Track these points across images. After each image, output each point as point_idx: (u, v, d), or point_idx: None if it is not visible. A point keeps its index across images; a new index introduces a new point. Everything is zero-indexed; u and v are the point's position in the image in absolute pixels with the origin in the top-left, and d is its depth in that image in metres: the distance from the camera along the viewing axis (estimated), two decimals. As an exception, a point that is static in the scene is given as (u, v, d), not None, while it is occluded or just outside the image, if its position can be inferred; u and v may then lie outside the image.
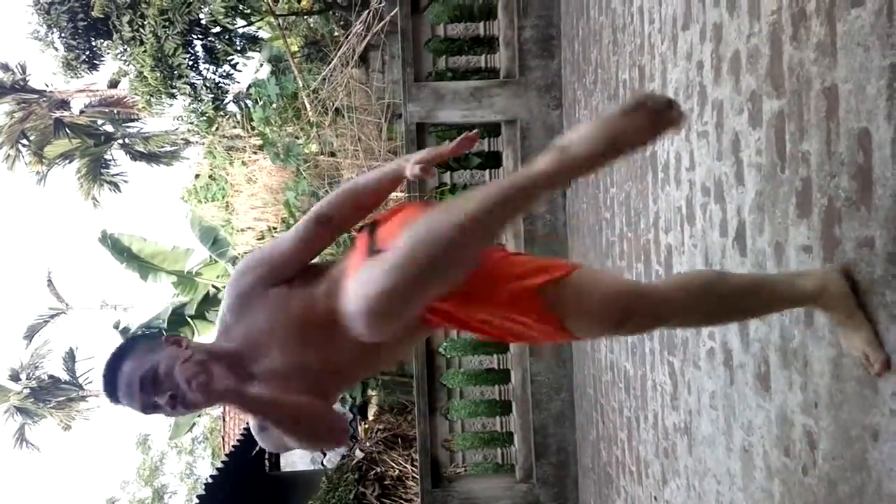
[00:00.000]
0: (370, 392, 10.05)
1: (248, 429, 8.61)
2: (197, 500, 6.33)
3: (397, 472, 7.99)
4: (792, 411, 1.81)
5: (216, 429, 19.76)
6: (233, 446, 7.92)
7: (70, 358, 15.92)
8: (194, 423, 12.86)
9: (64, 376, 16.03)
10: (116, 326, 12.77)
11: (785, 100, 1.81)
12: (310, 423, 1.53)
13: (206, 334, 12.78)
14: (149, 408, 1.48)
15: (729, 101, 2.18)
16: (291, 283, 1.53)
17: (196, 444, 22.21)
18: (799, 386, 1.77)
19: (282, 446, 1.60)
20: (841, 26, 1.53)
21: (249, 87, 11.52)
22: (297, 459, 12.53)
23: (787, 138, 1.80)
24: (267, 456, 11.19)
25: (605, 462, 4.10)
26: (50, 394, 15.88)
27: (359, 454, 8.48)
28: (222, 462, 7.20)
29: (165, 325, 12.17)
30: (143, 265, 12.61)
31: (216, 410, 14.13)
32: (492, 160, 5.44)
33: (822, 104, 1.62)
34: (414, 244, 1.16)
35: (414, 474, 7.65)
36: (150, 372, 1.46)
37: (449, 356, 5.56)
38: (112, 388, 1.49)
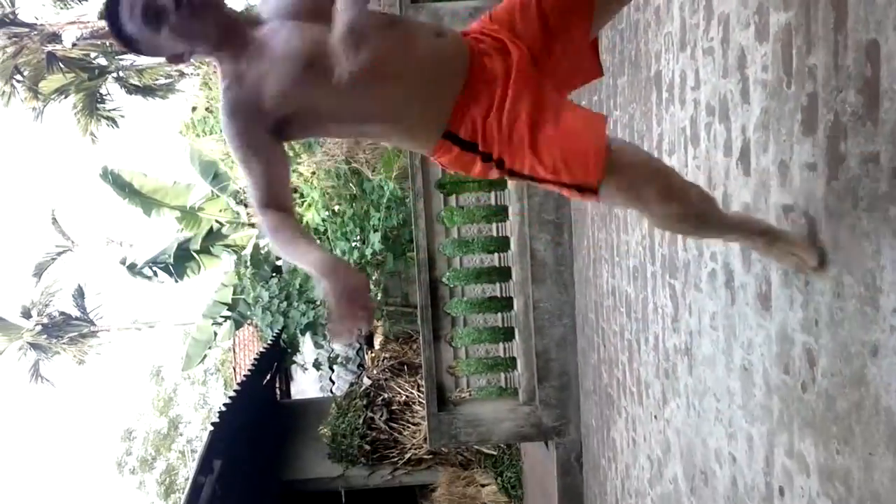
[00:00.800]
0: (376, 322, 10.21)
1: (257, 360, 8.79)
2: (211, 428, 6.50)
3: (404, 397, 8.19)
4: (792, 329, 1.82)
5: (227, 360, 20.19)
6: (244, 376, 8.08)
7: (79, 294, 16.12)
8: (206, 355, 13.10)
9: (75, 312, 16.28)
10: (123, 262, 12.86)
11: (792, 12, 1.74)
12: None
13: (211, 268, 12.89)
14: (151, 15, 1.44)
15: (735, 15, 2.11)
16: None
17: (208, 376, 22.75)
18: (800, 304, 1.78)
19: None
20: (853, -70, 1.46)
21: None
22: (307, 388, 12.84)
23: (793, 52, 1.75)
24: (278, 385, 11.46)
25: (606, 384, 4.18)
26: (62, 330, 16.16)
27: (367, 381, 8.68)
28: (234, 391, 7.36)
29: (172, 260, 12.26)
30: (145, 201, 12.59)
31: (227, 343, 14.37)
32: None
33: (831, 15, 1.57)
34: None
35: (420, 399, 7.84)
36: None
37: (452, 285, 5.60)
38: (115, 7, 1.46)
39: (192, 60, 1.62)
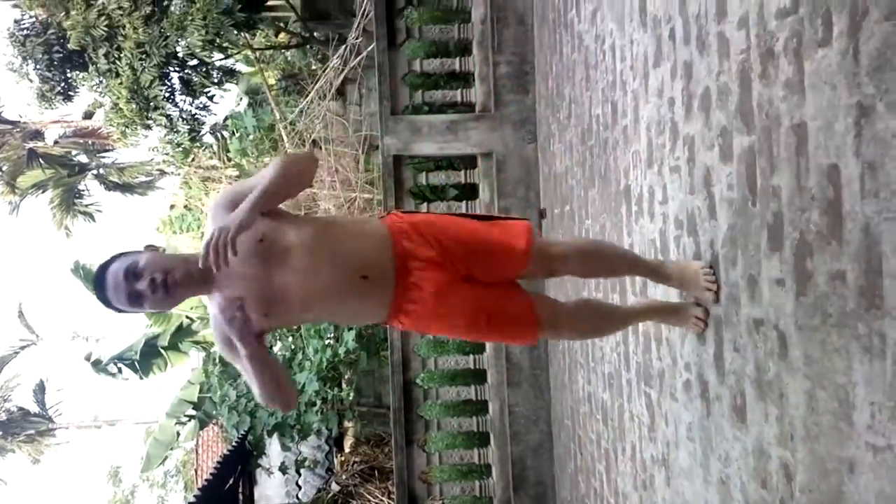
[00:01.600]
0: (346, 423, 9.93)
1: (221, 462, 8.44)
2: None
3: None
4: (768, 443, 1.82)
5: (189, 461, 19.33)
6: (206, 480, 7.74)
7: (40, 390, 15.56)
8: (167, 457, 12.57)
9: (34, 408, 15.65)
10: (88, 358, 12.51)
11: (755, 136, 1.85)
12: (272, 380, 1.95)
13: (177, 365, 12.58)
14: (133, 297, 1.81)
15: (700, 137, 2.22)
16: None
17: (168, 478, 21.72)
18: (775, 417, 1.78)
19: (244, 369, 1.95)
20: (808, 65, 1.57)
21: (226, 118, 11.52)
22: (272, 493, 12.28)
23: (757, 173, 1.84)
24: (241, 489, 10.95)
25: (584, 494, 4.08)
26: (19, 426, 15.48)
27: (335, 487, 8.35)
28: (195, 496, 7.02)
29: (138, 357, 11.96)
30: (115, 296, 12.40)
31: (189, 443, 13.84)
32: (468, 191, 5.48)
33: (792, 140, 1.66)
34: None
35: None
36: (133, 265, 1.81)
37: (426, 387, 5.53)
38: (102, 288, 1.83)
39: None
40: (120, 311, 1.89)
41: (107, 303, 1.85)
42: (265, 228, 1.84)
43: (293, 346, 9.07)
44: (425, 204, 5.40)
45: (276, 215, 1.89)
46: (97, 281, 1.85)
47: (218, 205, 1.89)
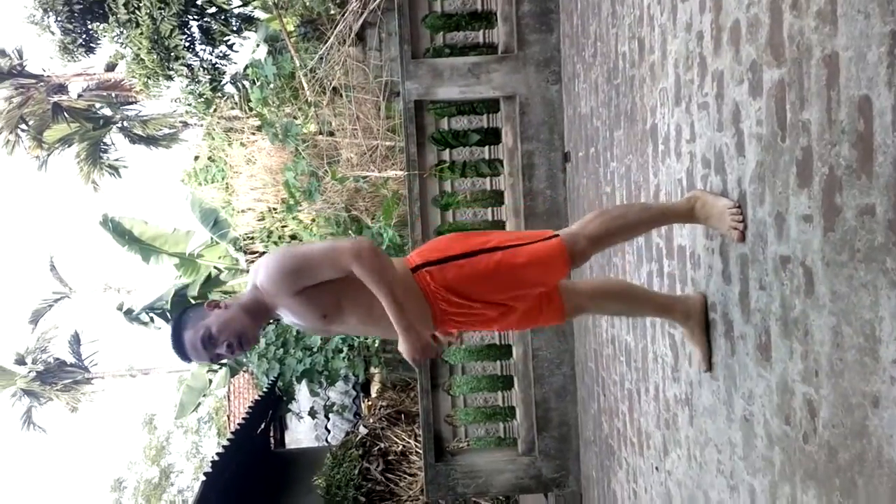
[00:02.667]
0: (373, 370, 10.12)
1: (252, 408, 8.68)
2: (203, 478, 6.39)
3: (401, 447, 8.07)
4: (793, 380, 1.83)
5: (221, 408, 19.91)
6: (238, 424, 7.98)
7: (75, 341, 16.03)
8: (200, 403, 12.96)
9: (70, 359, 16.15)
10: (120, 308, 12.81)
11: (785, 69, 1.80)
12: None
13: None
14: (215, 358, 2.05)
15: (729, 72, 2.17)
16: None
17: (202, 424, 22.41)
18: (800, 355, 1.78)
19: None
20: (841, -7, 1.52)
21: (246, 67, 11.45)
22: (302, 437, 12.65)
23: (787, 108, 1.79)
24: (273, 434, 11.28)
25: (607, 434, 4.14)
26: (56, 376, 16.01)
27: (363, 430, 8.56)
28: (228, 440, 7.25)
29: (169, 307, 12.22)
30: (144, 248, 12.62)
31: (221, 391, 14.24)
32: (491, 136, 5.42)
33: (823, 72, 1.62)
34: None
35: (417, 449, 7.73)
36: (206, 334, 1.99)
37: (451, 333, 5.59)
38: (183, 353, 2.04)
39: None
40: (190, 361, 2.15)
41: (188, 361, 2.10)
42: (328, 308, 2.07)
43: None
44: (447, 150, 5.36)
45: (336, 286, 2.06)
46: (176, 345, 2.05)
47: (282, 270, 2.01)
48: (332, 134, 9.03)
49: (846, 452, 1.59)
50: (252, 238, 11.32)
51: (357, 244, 2.01)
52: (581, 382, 4.83)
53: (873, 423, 1.49)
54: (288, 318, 2.12)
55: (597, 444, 4.42)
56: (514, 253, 2.18)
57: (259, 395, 9.30)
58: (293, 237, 10.66)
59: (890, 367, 1.43)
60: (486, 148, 5.45)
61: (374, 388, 11.32)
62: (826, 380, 1.67)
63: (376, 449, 8.11)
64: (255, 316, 2.06)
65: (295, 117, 9.47)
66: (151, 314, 12.67)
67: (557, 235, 2.25)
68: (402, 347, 2.08)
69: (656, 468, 3.19)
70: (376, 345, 8.79)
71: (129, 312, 12.70)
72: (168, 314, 12.49)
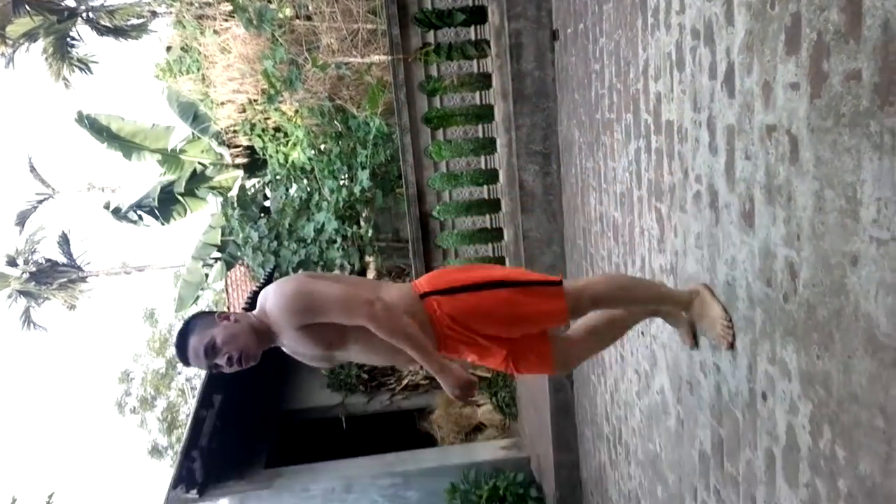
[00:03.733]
0: (368, 258, 10.28)
1: (250, 299, 8.86)
2: (209, 367, 6.64)
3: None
4: (775, 244, 1.91)
5: (221, 301, 20.28)
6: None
7: (65, 241, 16.04)
8: (198, 297, 13.21)
9: (61, 259, 16.23)
10: (107, 207, 12.77)
11: (778, -69, 1.76)
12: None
13: (197, 211, 12.84)
14: (213, 368, 2.11)
15: (721, -64, 2.11)
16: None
17: (202, 318, 22.85)
18: (782, 220, 1.86)
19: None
20: None
21: (214, -52, 10.82)
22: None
23: (778, -28, 1.77)
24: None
25: (597, 308, 4.31)
26: (50, 276, 16.13)
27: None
28: (230, 331, 7.46)
29: (156, 204, 12.19)
30: (124, 144, 12.42)
31: (219, 284, 14.46)
32: (476, 15, 5.27)
33: (816, -67, 1.59)
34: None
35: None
36: (210, 343, 2.06)
37: (442, 219, 5.66)
38: (184, 356, 2.11)
39: None
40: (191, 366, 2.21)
41: (187, 364, 2.16)
42: (333, 338, 2.13)
43: (309, 188, 9.19)
44: (432, 31, 5.20)
45: (334, 324, 2.10)
46: (179, 350, 2.12)
47: (292, 306, 2.07)
48: (309, 18, 8.71)
49: (824, 309, 1.70)
50: (235, 131, 11.15)
51: (371, 309, 2.07)
52: (570, 260, 4.97)
53: (851, 280, 1.58)
54: (291, 347, 2.18)
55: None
56: (519, 302, 2.27)
57: (256, 287, 9.48)
58: (277, 129, 10.50)
59: (870, 227, 1.50)
60: (472, 28, 5.31)
61: (370, 276, 11.53)
62: (807, 242, 1.75)
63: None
64: (261, 337, 2.12)
65: (269, 0, 9.09)
66: (139, 212, 12.66)
67: (561, 284, 2.32)
68: (445, 388, 2.19)
69: (642, 333, 3.36)
70: (370, 234, 8.90)
71: (116, 211, 12.67)
72: (156, 211, 12.48)
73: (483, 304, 2.23)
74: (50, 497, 12.91)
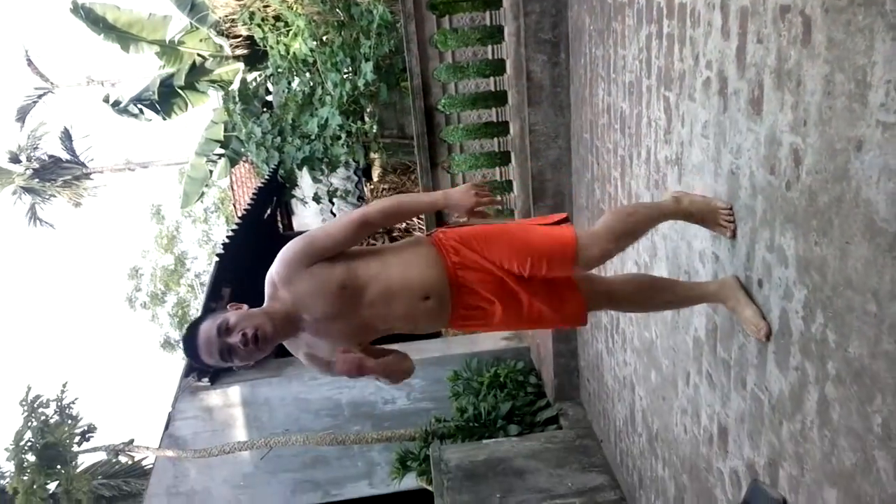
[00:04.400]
0: (373, 155, 10.20)
1: (256, 194, 8.89)
2: (216, 260, 6.75)
3: (404, 225, 8.40)
4: (781, 131, 1.89)
5: (226, 198, 20.35)
6: (244, 209, 8.24)
7: (67, 137, 15.91)
8: (203, 193, 13.21)
9: (64, 156, 16.15)
10: (107, 101, 12.58)
11: None
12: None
13: (198, 105, 12.63)
14: (225, 352, 1.94)
15: None
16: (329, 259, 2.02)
17: (209, 214, 23.02)
18: (790, 105, 1.83)
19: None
20: None
21: None
22: (309, 221, 13.10)
23: None
24: (279, 219, 11.67)
25: (599, 199, 4.31)
26: (53, 173, 16.10)
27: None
28: (236, 224, 7.53)
29: (157, 98, 11.99)
30: (121, 36, 12.07)
31: (223, 181, 14.47)
32: None
33: None
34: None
35: (420, 226, 8.05)
36: (225, 322, 1.93)
37: (448, 112, 5.57)
38: (192, 339, 1.95)
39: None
40: (208, 366, 2.06)
41: (196, 357, 1.98)
42: (343, 275, 1.99)
43: (311, 82, 8.99)
44: None
45: (347, 257, 2.03)
46: (188, 337, 1.98)
47: (294, 245, 2.00)
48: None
49: (826, 195, 1.70)
50: (233, 20, 10.80)
51: (363, 209, 2.04)
52: (576, 154, 4.92)
53: (854, 166, 1.58)
54: (310, 330, 2.04)
55: (589, 210, 4.61)
56: (525, 227, 2.26)
57: (262, 183, 9.49)
58: (277, 18, 10.17)
59: (877, 111, 1.48)
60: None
61: (376, 173, 11.50)
62: (814, 128, 1.73)
63: (381, 229, 8.45)
64: (275, 320, 1.98)
65: None
66: (140, 105, 12.47)
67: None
68: (457, 210, 2.13)
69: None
70: (374, 130, 8.77)
71: (116, 104, 12.49)
72: (157, 105, 12.29)
73: (489, 228, 2.23)
74: (64, 386, 13.43)
